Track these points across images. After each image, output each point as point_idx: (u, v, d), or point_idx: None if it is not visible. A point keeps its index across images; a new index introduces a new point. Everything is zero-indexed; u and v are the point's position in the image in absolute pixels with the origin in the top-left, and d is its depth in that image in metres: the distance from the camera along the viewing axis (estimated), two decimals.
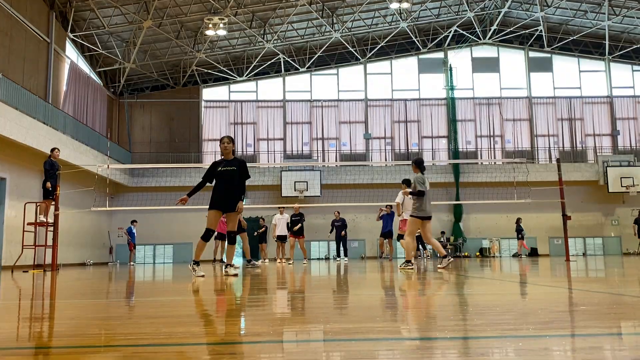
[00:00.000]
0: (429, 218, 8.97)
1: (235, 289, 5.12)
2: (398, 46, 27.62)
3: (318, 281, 6.22)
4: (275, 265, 13.19)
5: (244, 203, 7.49)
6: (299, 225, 15.91)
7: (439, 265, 8.91)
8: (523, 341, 1.96)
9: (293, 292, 4.49)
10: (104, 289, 5.63)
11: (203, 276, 6.97)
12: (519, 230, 21.43)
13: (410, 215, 9.01)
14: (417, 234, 10.02)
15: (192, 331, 2.36)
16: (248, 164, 7.71)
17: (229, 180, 7.18)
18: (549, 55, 28.03)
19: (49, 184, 12.23)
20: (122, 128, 26.67)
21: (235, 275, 7.44)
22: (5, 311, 3.56)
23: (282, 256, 16.85)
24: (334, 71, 27.72)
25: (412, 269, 8.55)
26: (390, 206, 17.05)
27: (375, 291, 4.57)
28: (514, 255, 21.94)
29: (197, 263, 7.22)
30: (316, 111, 27.31)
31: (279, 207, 17.38)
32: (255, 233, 18.11)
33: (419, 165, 9.12)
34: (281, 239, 16.62)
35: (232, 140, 7.46)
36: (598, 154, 26.64)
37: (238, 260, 18.24)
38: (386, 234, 17.25)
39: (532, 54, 28.10)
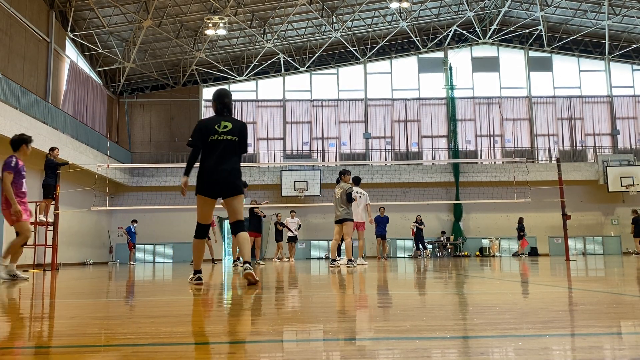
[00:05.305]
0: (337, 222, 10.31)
1: (238, 288, 5.12)
2: (398, 46, 27.62)
3: (318, 280, 6.22)
4: (283, 265, 13.28)
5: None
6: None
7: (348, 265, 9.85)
8: (523, 340, 1.96)
9: (294, 292, 4.49)
10: (104, 288, 5.62)
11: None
12: (521, 229, 21.40)
13: (351, 220, 10.17)
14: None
15: (191, 331, 2.36)
16: (248, 163, 7.66)
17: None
18: (548, 54, 28.03)
19: (61, 167, 12.36)
20: (122, 127, 26.67)
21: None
22: (5, 311, 3.56)
23: (292, 256, 18.36)
24: (333, 71, 27.71)
25: (354, 266, 9.71)
26: (384, 208, 18.45)
27: (374, 290, 4.57)
28: (514, 255, 21.93)
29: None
30: (316, 111, 27.30)
31: (290, 211, 18.57)
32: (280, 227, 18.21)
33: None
34: (291, 240, 18.14)
35: None
36: (598, 153, 26.64)
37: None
38: (383, 235, 18.28)
39: (532, 54, 28.10)
